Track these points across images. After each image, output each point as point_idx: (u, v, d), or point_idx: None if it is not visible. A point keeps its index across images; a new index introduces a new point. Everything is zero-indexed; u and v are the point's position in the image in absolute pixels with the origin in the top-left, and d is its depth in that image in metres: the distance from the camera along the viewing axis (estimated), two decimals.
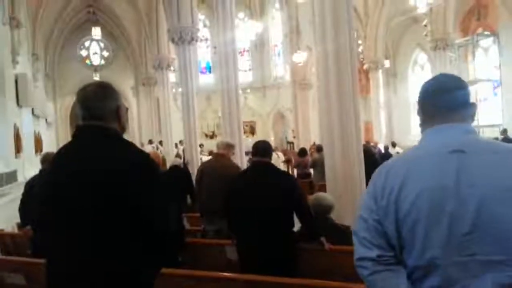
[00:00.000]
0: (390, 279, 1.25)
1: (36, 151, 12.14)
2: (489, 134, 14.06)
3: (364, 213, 1.32)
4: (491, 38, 15.92)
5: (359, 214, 1.34)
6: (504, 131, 11.69)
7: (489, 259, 1.13)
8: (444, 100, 1.32)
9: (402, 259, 1.26)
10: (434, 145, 1.29)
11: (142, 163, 1.58)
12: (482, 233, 1.14)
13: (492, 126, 14.87)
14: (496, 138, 10.32)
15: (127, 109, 1.79)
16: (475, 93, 17.16)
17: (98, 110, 1.63)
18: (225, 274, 2.93)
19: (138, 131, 22.00)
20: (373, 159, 7.34)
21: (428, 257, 1.19)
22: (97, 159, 1.54)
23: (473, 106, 1.35)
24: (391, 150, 12.32)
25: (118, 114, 1.68)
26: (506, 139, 10.74)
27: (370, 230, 1.29)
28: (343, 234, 3.44)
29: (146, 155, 1.65)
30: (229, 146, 4.86)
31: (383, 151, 11.70)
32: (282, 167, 12.85)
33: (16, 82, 9.77)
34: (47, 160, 4.16)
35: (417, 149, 1.35)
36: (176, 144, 15.52)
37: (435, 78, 1.41)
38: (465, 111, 1.33)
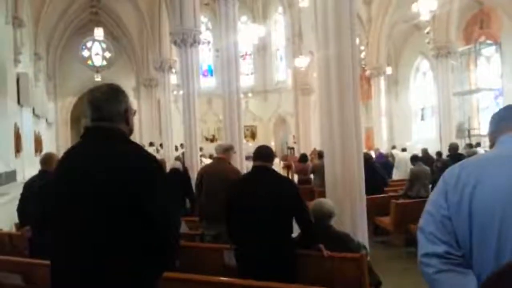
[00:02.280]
0: (458, 279, 1.17)
1: (36, 151, 12.13)
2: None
3: (431, 209, 1.28)
4: (494, 47, 15.94)
5: (425, 210, 1.31)
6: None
7: None
8: None
9: (470, 263, 1.20)
10: (509, 149, 1.29)
11: (147, 168, 1.57)
12: None
13: None
14: None
15: (134, 111, 1.80)
16: (477, 101, 17.19)
17: (108, 112, 1.64)
18: (223, 278, 2.90)
19: (139, 132, 21.95)
20: (370, 165, 7.29)
21: (506, 258, 1.12)
22: (103, 163, 1.53)
23: None
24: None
25: (126, 116, 1.69)
26: None
27: (438, 226, 1.24)
28: (342, 241, 3.41)
29: (152, 160, 1.63)
30: (227, 149, 4.84)
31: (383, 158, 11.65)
32: (280, 172, 12.80)
33: (17, 81, 9.77)
34: (47, 160, 4.15)
35: (491, 153, 1.37)
36: (176, 147, 15.50)
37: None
38: None
